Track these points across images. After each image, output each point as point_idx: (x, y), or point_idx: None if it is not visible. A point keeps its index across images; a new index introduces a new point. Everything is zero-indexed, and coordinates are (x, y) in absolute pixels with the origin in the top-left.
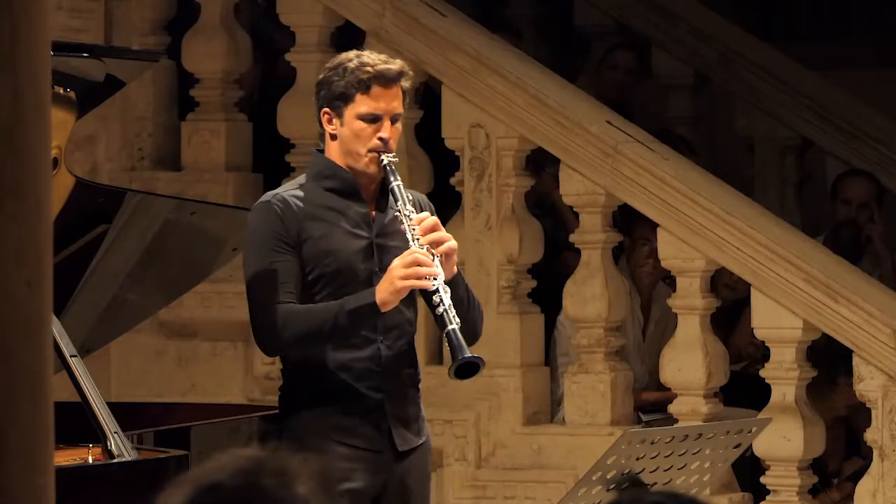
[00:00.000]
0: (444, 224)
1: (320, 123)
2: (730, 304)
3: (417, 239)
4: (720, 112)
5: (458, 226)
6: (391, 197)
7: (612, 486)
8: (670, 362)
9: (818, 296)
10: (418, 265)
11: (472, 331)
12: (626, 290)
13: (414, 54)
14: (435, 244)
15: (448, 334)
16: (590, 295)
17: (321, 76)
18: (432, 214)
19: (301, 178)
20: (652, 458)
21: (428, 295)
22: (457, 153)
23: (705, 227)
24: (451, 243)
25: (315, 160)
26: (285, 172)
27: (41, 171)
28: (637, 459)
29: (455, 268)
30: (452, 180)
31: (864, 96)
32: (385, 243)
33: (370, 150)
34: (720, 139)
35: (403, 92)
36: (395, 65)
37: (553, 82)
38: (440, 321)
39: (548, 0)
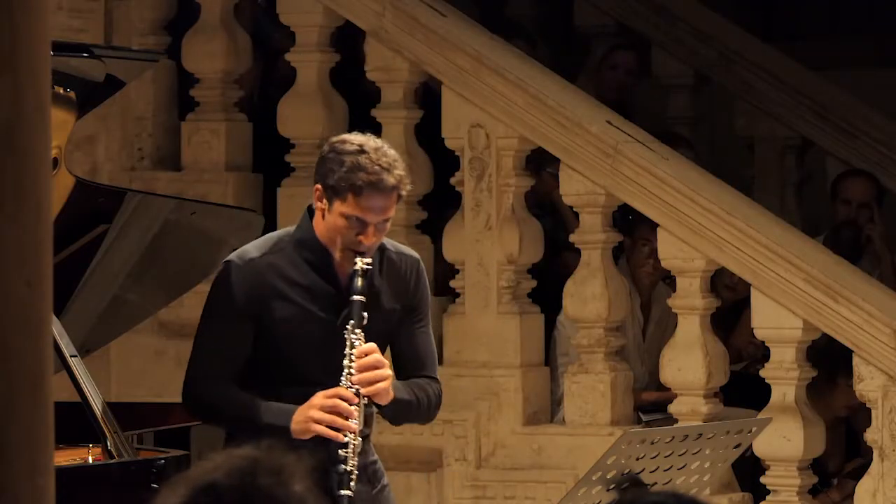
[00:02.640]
0: (443, 223)
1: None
2: (730, 304)
3: (350, 374)
4: (720, 112)
5: (458, 226)
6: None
7: (612, 486)
8: (670, 362)
9: (818, 296)
10: (338, 414)
11: (421, 422)
12: (626, 290)
13: (414, 54)
14: (366, 384)
15: (338, 499)
16: (590, 295)
17: (326, 149)
18: (418, 278)
19: (286, 235)
20: (652, 458)
21: (338, 444)
22: (457, 153)
23: (705, 227)
24: (381, 385)
25: (303, 224)
26: (285, 172)
27: (41, 171)
28: (637, 459)
29: (391, 394)
30: (452, 180)
31: (864, 96)
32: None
33: (347, 248)
34: (720, 139)
35: (399, 197)
36: (393, 177)
37: (553, 82)
38: (338, 478)
39: (548, 0)
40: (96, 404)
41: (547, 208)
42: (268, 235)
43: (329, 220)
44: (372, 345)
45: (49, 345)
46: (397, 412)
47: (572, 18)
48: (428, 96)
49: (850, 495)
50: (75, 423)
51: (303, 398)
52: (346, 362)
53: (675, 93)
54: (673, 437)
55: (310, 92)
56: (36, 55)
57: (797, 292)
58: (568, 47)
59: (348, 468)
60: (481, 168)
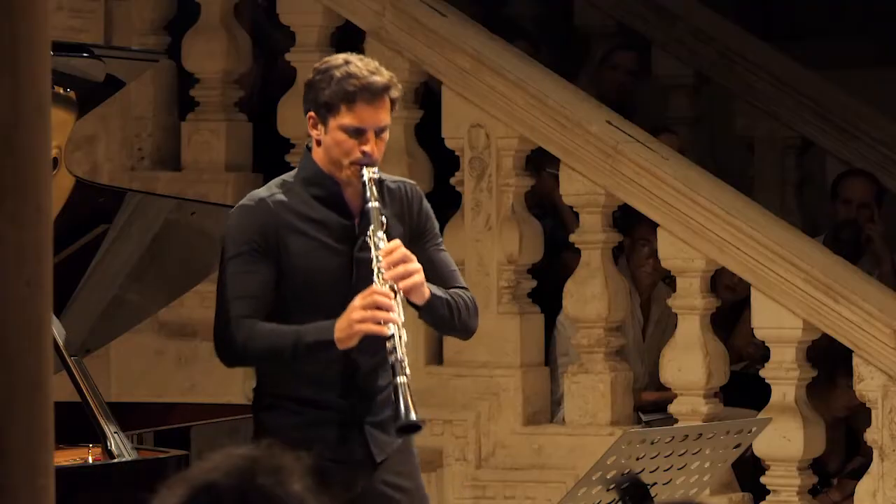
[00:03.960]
0: (444, 223)
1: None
2: (730, 304)
3: (381, 273)
4: (720, 112)
5: (458, 226)
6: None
7: (612, 486)
8: (670, 362)
9: (818, 296)
10: (377, 307)
11: (463, 328)
12: (626, 290)
13: (414, 54)
14: (399, 279)
15: (395, 387)
16: (590, 295)
17: (310, 77)
18: (420, 204)
19: (290, 177)
20: (652, 458)
21: (384, 339)
22: (457, 153)
23: (705, 227)
24: (416, 279)
25: (305, 163)
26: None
27: (41, 171)
28: (637, 459)
29: (426, 291)
30: (452, 180)
31: (864, 96)
32: (366, 257)
33: (352, 163)
34: (720, 139)
35: (392, 101)
36: (383, 77)
37: (553, 82)
38: (392, 368)
39: (548, 0)
40: (96, 404)
41: (547, 208)
42: (272, 181)
43: (328, 142)
44: (396, 241)
45: (49, 345)
46: (436, 313)
47: (572, 18)
48: (428, 96)
49: (850, 495)
50: (75, 423)
51: None
52: (374, 262)
53: (675, 93)
54: (673, 437)
55: None
56: (36, 56)
57: (797, 292)
58: (568, 47)
59: (399, 357)
60: (481, 168)
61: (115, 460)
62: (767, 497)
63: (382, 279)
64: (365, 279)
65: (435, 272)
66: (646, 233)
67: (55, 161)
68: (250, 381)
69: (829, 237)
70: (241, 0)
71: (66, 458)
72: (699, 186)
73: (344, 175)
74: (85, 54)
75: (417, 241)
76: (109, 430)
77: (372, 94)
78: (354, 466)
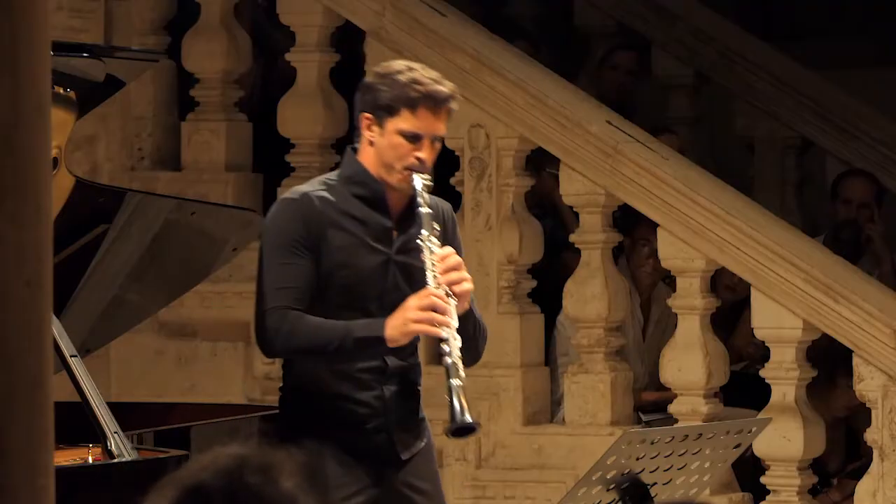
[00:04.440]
0: None
1: (359, 125)
2: (730, 304)
3: (436, 276)
4: (720, 112)
5: (458, 226)
6: (417, 220)
7: (612, 486)
8: (670, 362)
9: (818, 296)
10: (434, 310)
11: (474, 355)
12: (626, 290)
13: (414, 54)
14: (453, 284)
15: (450, 388)
16: (590, 295)
17: (368, 80)
18: (454, 225)
19: (332, 176)
20: (652, 458)
21: (415, 341)
22: (457, 153)
23: (705, 227)
24: (466, 286)
25: (349, 161)
26: (285, 172)
27: (41, 171)
28: (637, 459)
29: (467, 304)
30: (452, 180)
31: (864, 96)
32: (404, 261)
33: (406, 168)
34: (720, 139)
35: (449, 113)
36: (447, 87)
37: (553, 82)
38: (446, 371)
39: (548, 0)
40: (96, 404)
41: (547, 208)
42: (313, 179)
43: (383, 144)
44: (450, 248)
45: (49, 345)
46: (465, 326)
47: (572, 18)
48: None
49: (850, 495)
50: (75, 423)
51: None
52: (428, 265)
53: (675, 93)
54: (673, 437)
55: (310, 92)
56: (36, 56)
57: (797, 292)
58: (568, 47)
59: (454, 360)
60: (481, 168)
61: (115, 460)
62: (767, 497)
63: (437, 283)
64: (398, 281)
65: None
66: (646, 233)
67: (55, 161)
68: (251, 381)
69: (829, 237)
70: (241, 0)
71: (66, 458)
72: (699, 186)
73: (394, 179)
74: (85, 54)
75: None
76: (109, 430)
77: (435, 102)
78: (378, 465)
